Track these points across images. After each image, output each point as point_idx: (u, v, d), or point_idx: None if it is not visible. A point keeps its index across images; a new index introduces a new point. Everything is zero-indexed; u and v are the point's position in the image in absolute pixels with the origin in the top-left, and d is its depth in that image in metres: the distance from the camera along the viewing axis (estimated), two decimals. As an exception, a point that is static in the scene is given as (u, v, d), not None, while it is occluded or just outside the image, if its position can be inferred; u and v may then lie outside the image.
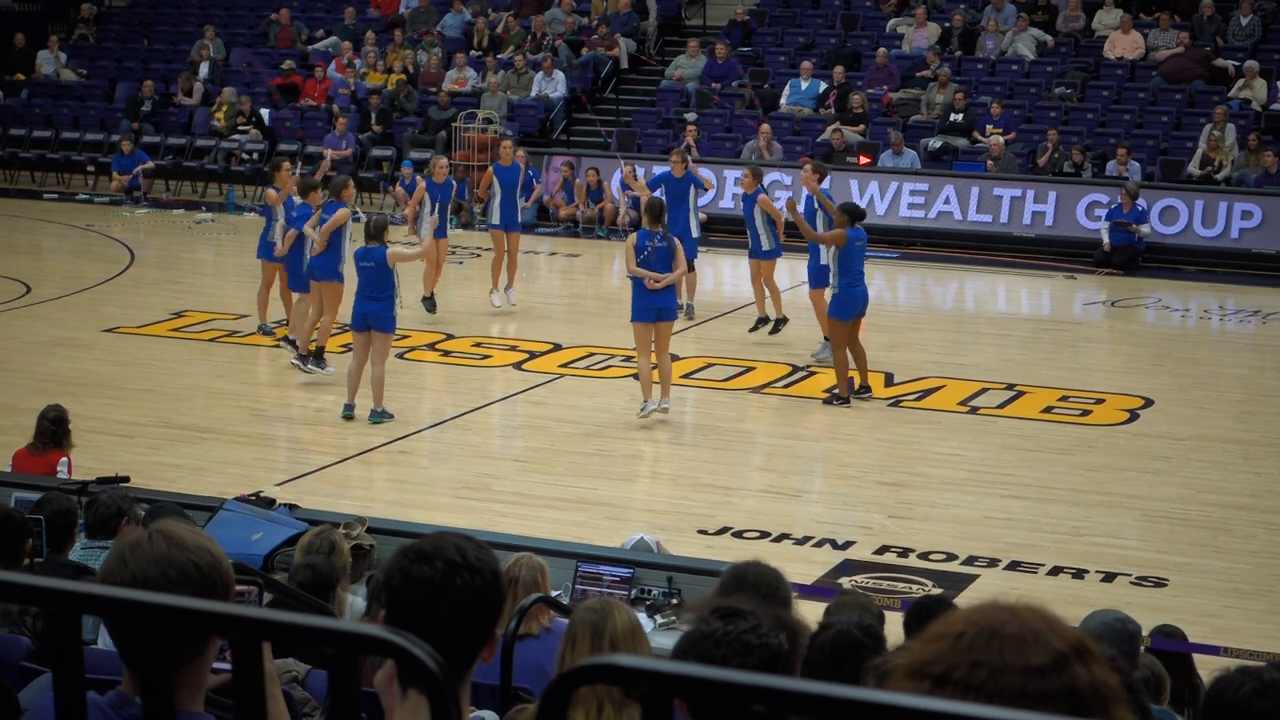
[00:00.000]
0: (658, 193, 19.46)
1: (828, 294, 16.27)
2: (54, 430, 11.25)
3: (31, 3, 35.24)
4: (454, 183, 20.03)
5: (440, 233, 19.50)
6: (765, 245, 18.36)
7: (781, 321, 18.39)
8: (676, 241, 15.22)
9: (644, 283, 14.78)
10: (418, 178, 25.65)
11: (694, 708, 1.77)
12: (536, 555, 7.45)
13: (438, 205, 19.47)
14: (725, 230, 24.12)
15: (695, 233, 19.68)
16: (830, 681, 3.98)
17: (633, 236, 15.15)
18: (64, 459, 11.18)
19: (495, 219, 19.99)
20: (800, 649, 3.62)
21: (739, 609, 3.41)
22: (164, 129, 30.13)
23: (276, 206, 18.01)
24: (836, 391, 15.88)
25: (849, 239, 15.66)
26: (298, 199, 17.08)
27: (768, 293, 18.49)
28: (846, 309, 15.71)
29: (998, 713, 1.70)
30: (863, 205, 20.70)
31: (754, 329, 18.47)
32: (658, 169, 25.30)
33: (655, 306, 14.83)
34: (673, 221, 19.54)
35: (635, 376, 15.49)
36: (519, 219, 20.21)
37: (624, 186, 25.39)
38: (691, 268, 19.72)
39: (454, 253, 22.32)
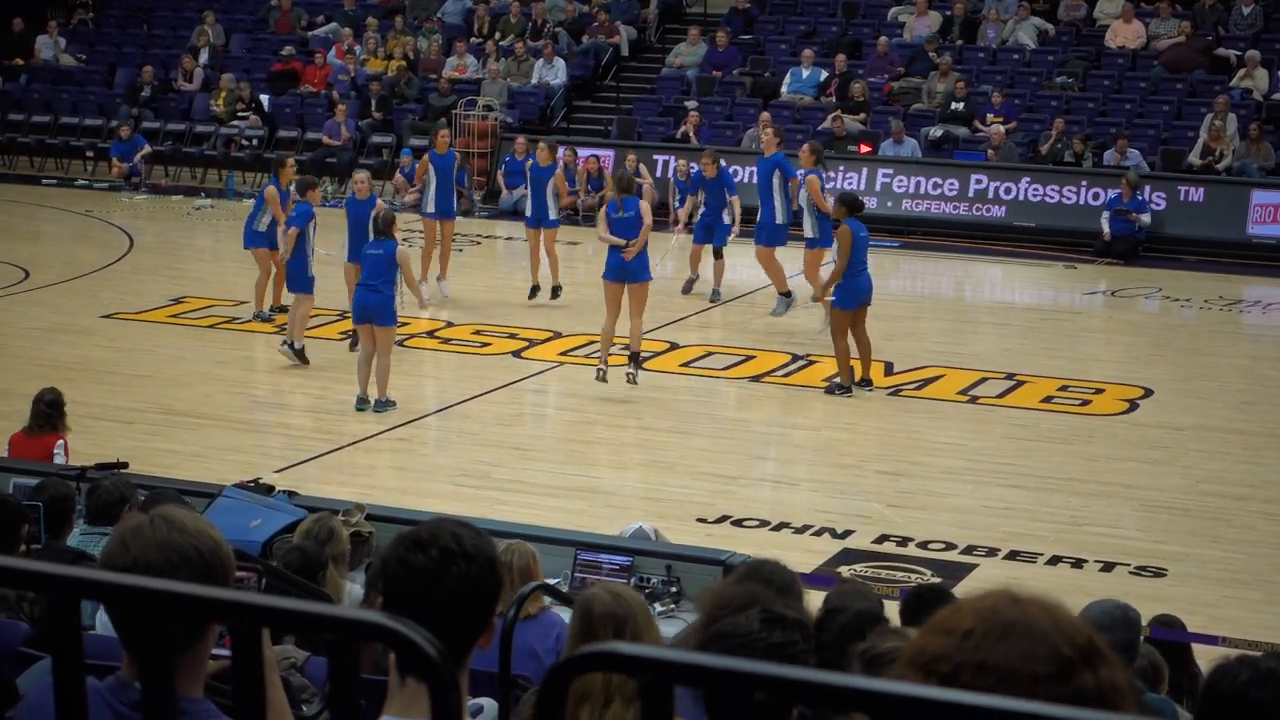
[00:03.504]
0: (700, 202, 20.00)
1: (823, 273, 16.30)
2: (49, 413, 11.19)
3: (31, -12, 35.19)
4: (456, 154, 19.98)
5: (448, 212, 19.42)
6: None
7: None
8: (643, 205, 15.78)
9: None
10: (410, 154, 25.76)
11: (705, 696, 1.76)
12: (528, 542, 7.45)
13: (435, 182, 19.40)
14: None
15: (727, 219, 19.87)
16: (847, 662, 3.97)
17: (603, 209, 15.96)
18: (60, 441, 11.15)
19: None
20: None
21: (784, 617, 3.36)
22: (163, 115, 30.10)
23: (273, 204, 17.95)
24: (838, 380, 15.87)
25: (852, 234, 15.64)
26: (293, 194, 16.95)
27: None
28: (850, 298, 15.70)
29: (991, 701, 1.70)
30: (862, 194, 20.71)
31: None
32: (658, 157, 25.38)
33: (620, 265, 15.42)
34: (711, 216, 19.97)
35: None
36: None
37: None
38: (720, 255, 19.96)
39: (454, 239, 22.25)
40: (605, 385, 15.47)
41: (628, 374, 15.48)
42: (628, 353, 15.60)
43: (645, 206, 15.81)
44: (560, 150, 21.88)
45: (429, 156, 19.84)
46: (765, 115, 19.24)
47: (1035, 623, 1.82)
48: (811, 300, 18.04)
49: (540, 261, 19.64)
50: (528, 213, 20.03)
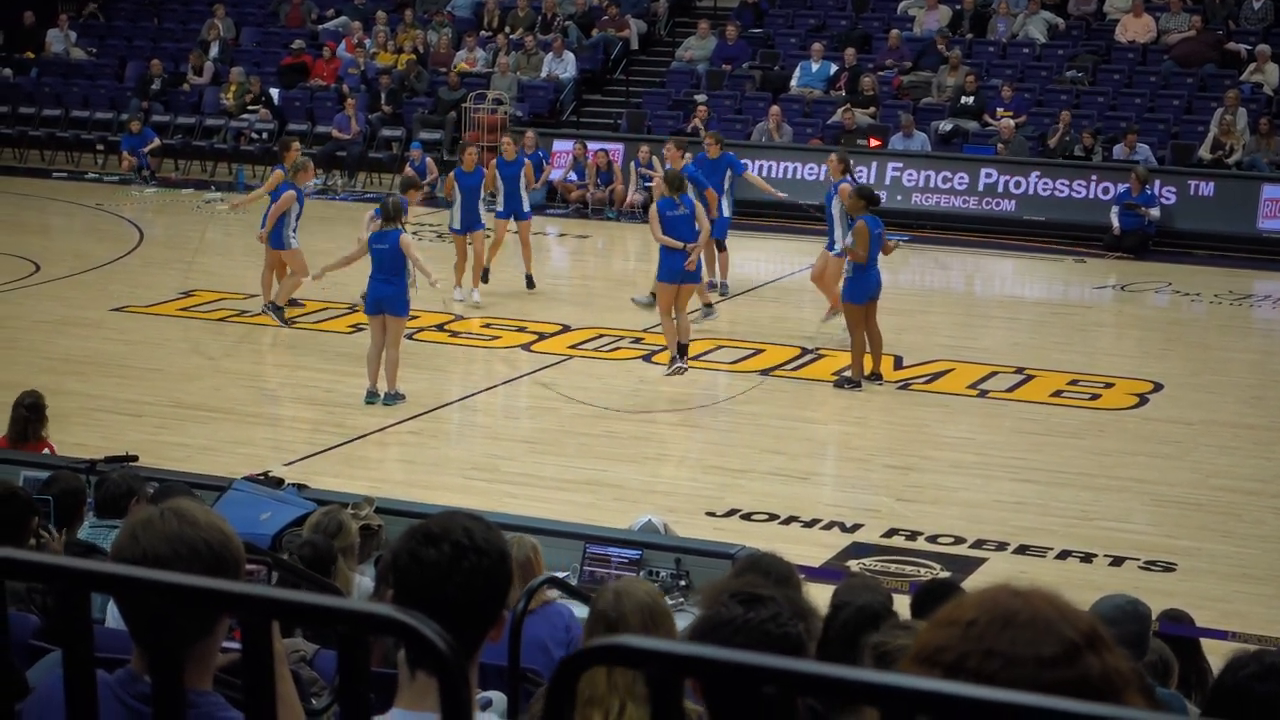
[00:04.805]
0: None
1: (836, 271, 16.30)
2: (28, 418, 10.80)
3: (41, -19, 35.22)
4: (485, 171, 19.75)
5: (476, 225, 19.35)
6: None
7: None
8: (696, 204, 15.69)
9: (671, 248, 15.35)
10: (428, 160, 25.78)
11: (706, 690, 1.76)
12: (530, 535, 7.45)
13: (460, 199, 19.30)
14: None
15: (727, 212, 19.63)
16: (854, 656, 3.96)
17: (654, 206, 15.46)
18: (45, 452, 10.75)
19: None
20: (814, 634, 3.59)
21: (759, 595, 3.36)
22: (173, 108, 30.13)
23: (270, 184, 18.13)
24: (848, 374, 15.87)
25: (869, 231, 15.64)
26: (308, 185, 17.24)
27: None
28: (861, 292, 15.70)
29: (996, 695, 1.70)
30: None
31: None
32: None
33: (681, 270, 15.38)
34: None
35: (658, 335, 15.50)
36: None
37: (637, 164, 25.41)
38: (723, 248, 19.78)
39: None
40: (615, 380, 15.58)
41: (678, 368, 15.50)
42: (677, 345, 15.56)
43: (701, 209, 15.79)
44: (522, 148, 21.49)
45: (455, 174, 19.67)
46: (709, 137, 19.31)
47: (1039, 611, 1.82)
48: (827, 317, 17.54)
49: (492, 252, 19.85)
50: (499, 207, 19.92)
